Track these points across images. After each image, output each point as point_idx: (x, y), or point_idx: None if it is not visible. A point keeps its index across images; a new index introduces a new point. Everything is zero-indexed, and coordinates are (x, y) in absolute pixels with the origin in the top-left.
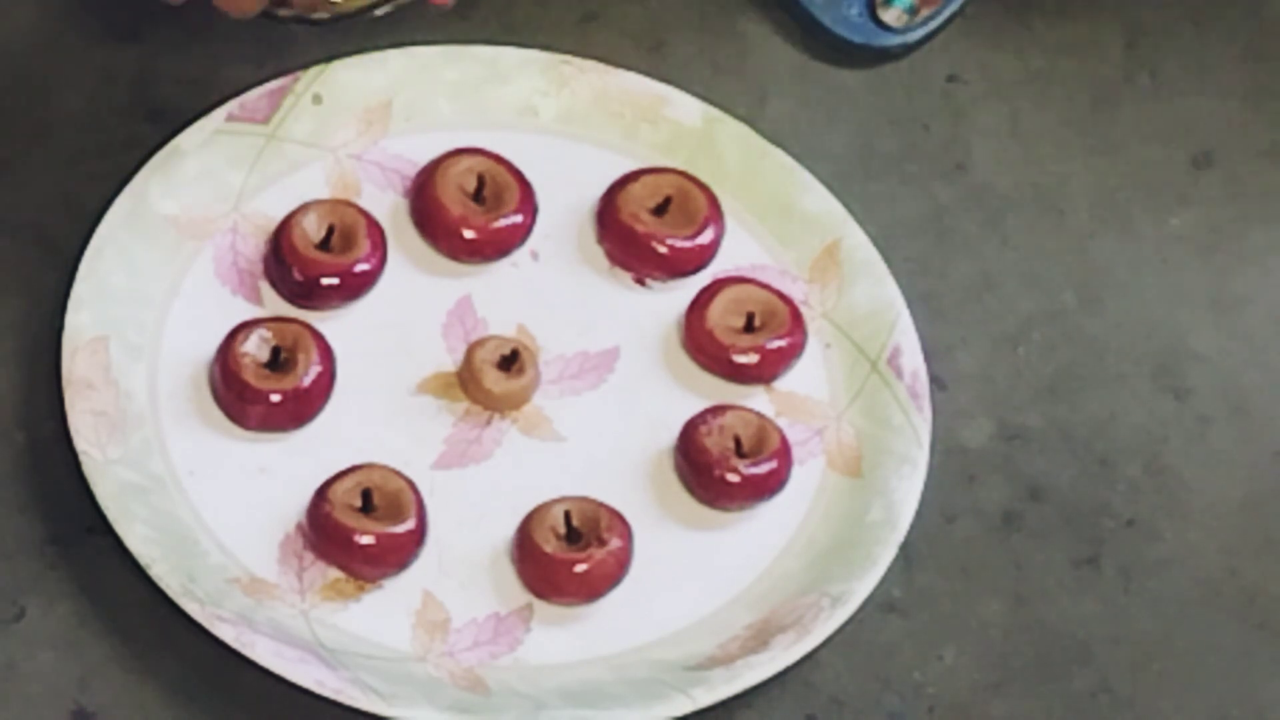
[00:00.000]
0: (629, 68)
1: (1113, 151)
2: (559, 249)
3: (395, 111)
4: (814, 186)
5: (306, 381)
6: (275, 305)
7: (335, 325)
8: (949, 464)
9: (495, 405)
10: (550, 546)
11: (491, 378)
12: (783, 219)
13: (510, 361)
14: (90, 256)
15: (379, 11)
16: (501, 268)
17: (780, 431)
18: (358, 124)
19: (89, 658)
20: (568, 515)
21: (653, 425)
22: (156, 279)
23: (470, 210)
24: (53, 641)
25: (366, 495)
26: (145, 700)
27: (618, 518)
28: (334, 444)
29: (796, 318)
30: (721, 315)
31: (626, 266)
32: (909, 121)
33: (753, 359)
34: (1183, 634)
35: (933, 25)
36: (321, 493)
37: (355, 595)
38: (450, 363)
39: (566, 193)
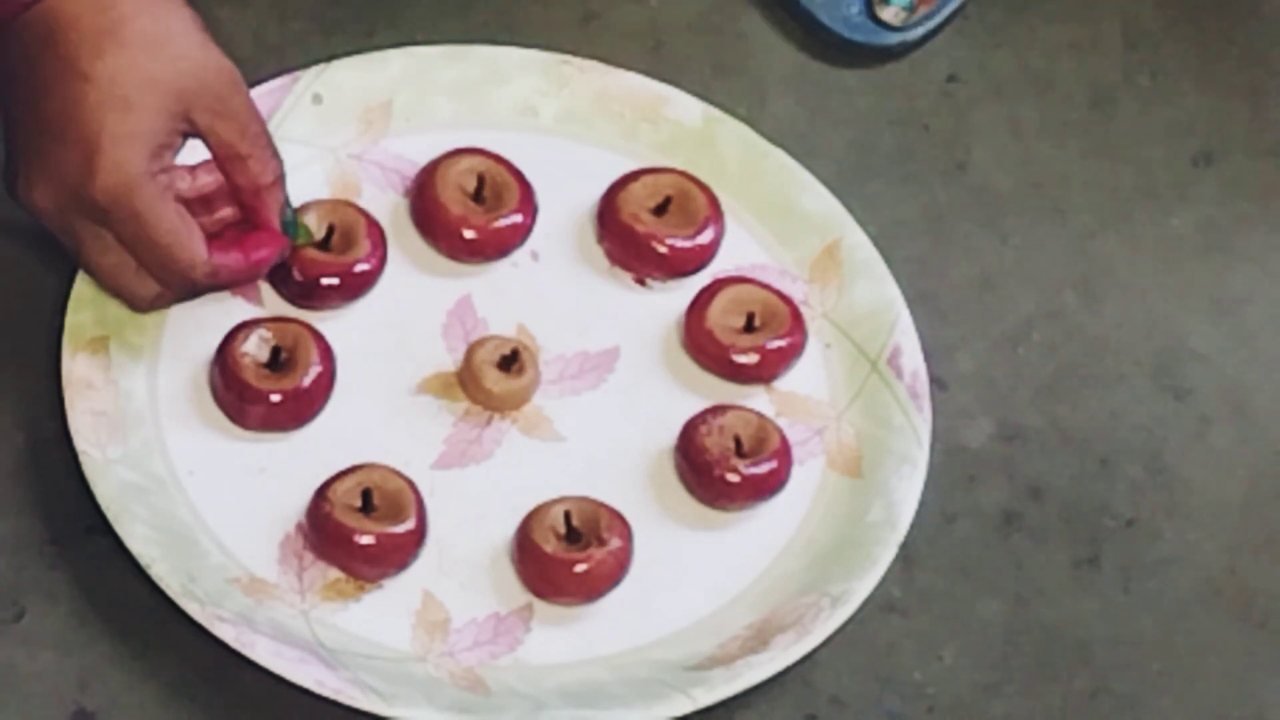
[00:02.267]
0: (629, 68)
1: (1113, 151)
2: (559, 249)
3: (395, 111)
4: (814, 186)
5: (306, 381)
6: (275, 305)
7: (335, 325)
8: (949, 464)
9: (495, 405)
10: (550, 546)
11: (491, 378)
12: (783, 219)
13: (510, 361)
14: None
15: None
16: (501, 268)
17: (780, 431)
18: (358, 124)
19: (89, 658)
20: (568, 515)
21: (653, 425)
22: None
23: (470, 210)
24: (53, 641)
25: (366, 495)
26: (145, 700)
27: (618, 518)
28: (334, 444)
29: (796, 318)
30: (721, 315)
31: (626, 266)
32: (909, 121)
33: (753, 359)
34: (1183, 634)
35: (932, 24)
36: (321, 493)
37: (355, 595)
38: (450, 363)
39: (566, 193)
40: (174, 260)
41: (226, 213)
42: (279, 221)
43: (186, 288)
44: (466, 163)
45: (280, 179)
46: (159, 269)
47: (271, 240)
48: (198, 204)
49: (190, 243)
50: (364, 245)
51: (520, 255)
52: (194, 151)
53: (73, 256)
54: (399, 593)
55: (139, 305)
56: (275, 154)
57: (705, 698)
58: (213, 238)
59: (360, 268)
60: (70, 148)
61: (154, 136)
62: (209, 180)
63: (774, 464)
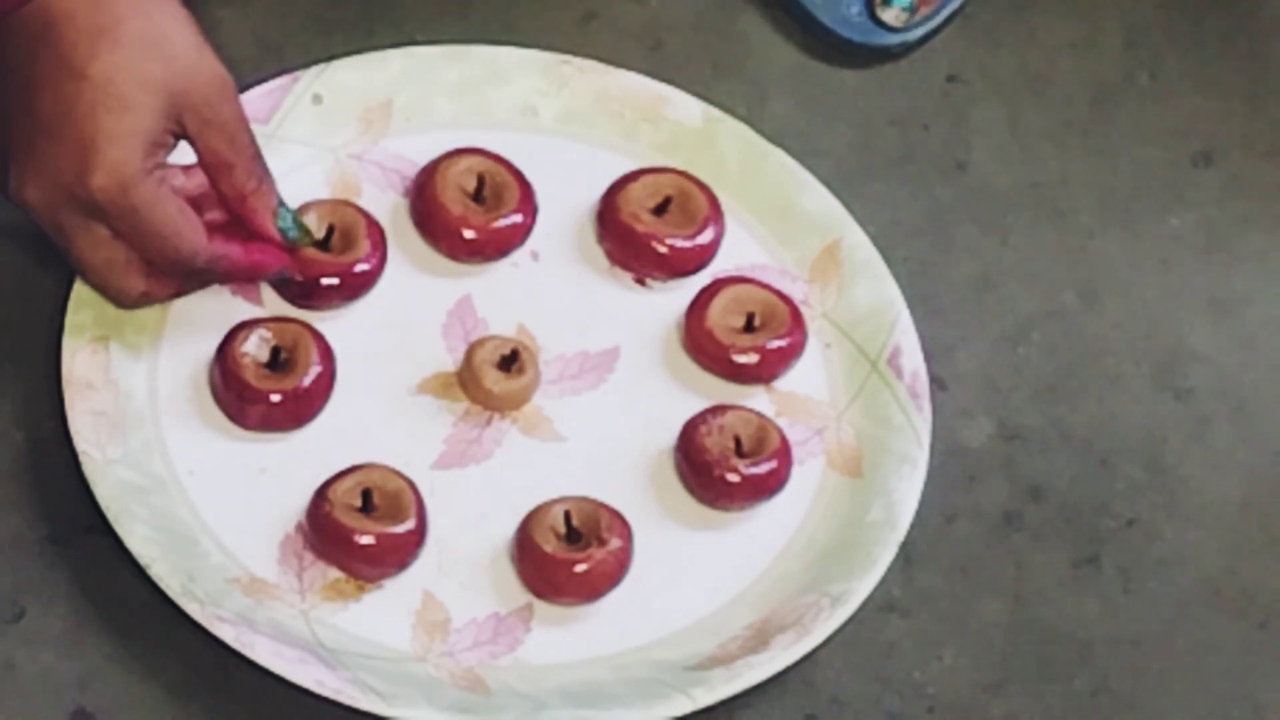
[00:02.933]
0: (629, 68)
1: (1113, 151)
2: (559, 249)
3: (395, 111)
4: (814, 186)
5: (306, 381)
6: (275, 305)
7: (335, 325)
8: (949, 464)
9: (495, 405)
10: (550, 546)
11: (491, 378)
12: (783, 219)
13: (510, 361)
14: None
15: None
16: (501, 268)
17: (780, 431)
18: (358, 124)
19: (89, 658)
20: (568, 515)
21: (653, 425)
22: None
23: (470, 210)
24: (53, 641)
25: (366, 495)
26: (145, 700)
27: (618, 518)
28: (334, 444)
29: (796, 318)
30: (721, 315)
31: (626, 266)
32: (909, 121)
33: (753, 359)
34: (1183, 634)
35: (932, 24)
36: (321, 493)
37: (355, 595)
38: (450, 363)
39: (566, 193)
40: (176, 251)
41: (216, 215)
42: (274, 226)
43: (185, 280)
44: (466, 163)
45: (265, 187)
46: (160, 260)
47: (273, 250)
48: (190, 204)
49: (192, 233)
50: (364, 245)
51: (520, 255)
52: (183, 154)
53: (62, 252)
54: (399, 593)
55: (125, 301)
56: (261, 163)
57: (705, 698)
58: (214, 233)
59: (360, 268)
60: (65, 145)
61: (149, 135)
62: (202, 181)
63: (774, 464)
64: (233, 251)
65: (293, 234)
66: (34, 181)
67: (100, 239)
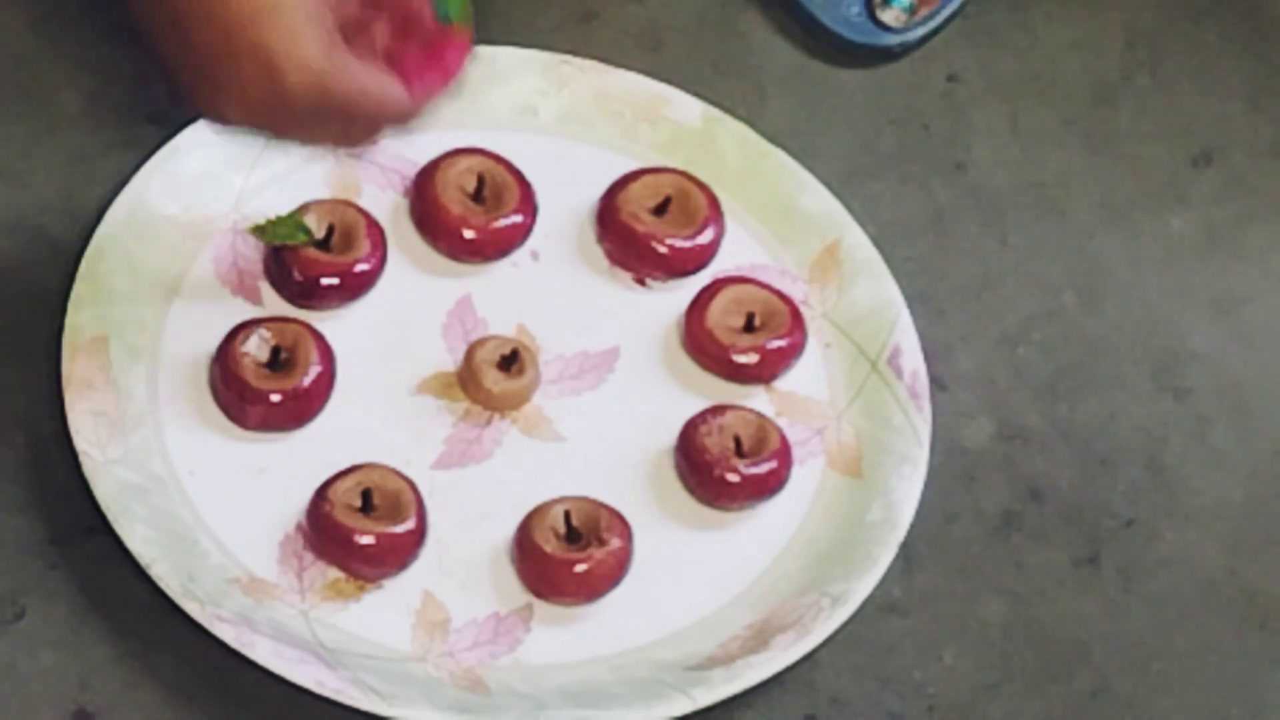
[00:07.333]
0: (629, 68)
1: (1113, 151)
2: (559, 249)
3: None
4: (814, 186)
5: (306, 381)
6: (275, 305)
7: (335, 325)
8: (949, 464)
9: (495, 405)
10: (550, 546)
11: (491, 378)
12: (783, 219)
13: (510, 361)
14: (90, 256)
15: None
16: (501, 268)
17: (780, 431)
18: None
19: (89, 658)
20: (568, 515)
21: (653, 425)
22: (156, 279)
23: (470, 210)
24: (53, 641)
25: (366, 495)
26: (145, 700)
27: (618, 518)
28: (334, 444)
29: (796, 317)
30: (721, 315)
31: (626, 266)
32: (909, 121)
33: (753, 359)
34: (1183, 634)
35: (932, 25)
36: (321, 493)
37: (355, 595)
38: (450, 363)
39: (566, 193)
40: (382, 111)
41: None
42: (431, 7)
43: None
44: (466, 163)
45: None
46: (370, 123)
47: (452, 44)
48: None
49: (393, 88)
50: (364, 245)
51: (520, 255)
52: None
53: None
54: (399, 593)
55: (366, 144)
56: None
57: (705, 698)
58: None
59: (360, 268)
60: (244, 61)
61: (315, 14)
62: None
63: (774, 464)
64: (430, 83)
65: (442, 11)
66: (229, 104)
67: (318, 122)
